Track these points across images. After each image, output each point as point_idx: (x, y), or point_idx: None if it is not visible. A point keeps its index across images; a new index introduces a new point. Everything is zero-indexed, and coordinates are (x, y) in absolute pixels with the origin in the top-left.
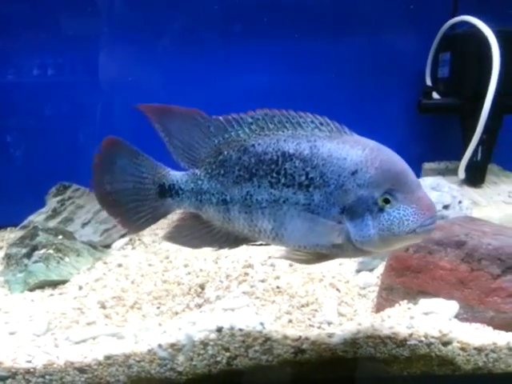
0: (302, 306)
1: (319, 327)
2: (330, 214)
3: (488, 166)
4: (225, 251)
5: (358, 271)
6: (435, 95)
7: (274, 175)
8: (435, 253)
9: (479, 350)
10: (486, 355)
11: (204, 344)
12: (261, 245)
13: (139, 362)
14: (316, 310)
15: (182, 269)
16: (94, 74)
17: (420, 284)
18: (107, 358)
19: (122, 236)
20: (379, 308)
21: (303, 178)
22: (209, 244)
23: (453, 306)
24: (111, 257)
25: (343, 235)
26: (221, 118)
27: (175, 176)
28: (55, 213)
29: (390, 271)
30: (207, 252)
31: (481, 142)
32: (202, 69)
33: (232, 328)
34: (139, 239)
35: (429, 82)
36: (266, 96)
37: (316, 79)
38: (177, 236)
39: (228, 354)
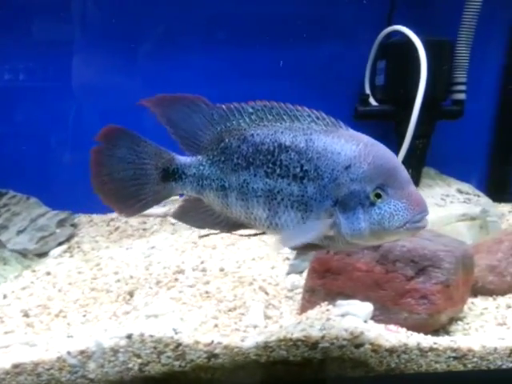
0: (230, 310)
1: (245, 331)
2: (323, 207)
3: (423, 169)
4: (157, 257)
5: (288, 273)
6: (374, 102)
7: (270, 165)
8: (353, 254)
9: (391, 351)
10: (398, 356)
11: (114, 351)
12: (256, 234)
13: (48, 369)
14: (243, 314)
15: (111, 276)
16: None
17: (339, 286)
18: (15, 366)
19: (60, 244)
20: (303, 310)
21: (298, 169)
22: (210, 226)
23: (367, 308)
24: (41, 265)
25: (335, 228)
26: (223, 106)
27: (179, 160)
28: None
29: (313, 273)
30: (140, 258)
31: (414, 147)
32: (175, 74)
33: (142, 334)
34: (78, 246)
35: (368, 90)
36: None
37: (261, 85)
38: (183, 215)
39: (140, 360)
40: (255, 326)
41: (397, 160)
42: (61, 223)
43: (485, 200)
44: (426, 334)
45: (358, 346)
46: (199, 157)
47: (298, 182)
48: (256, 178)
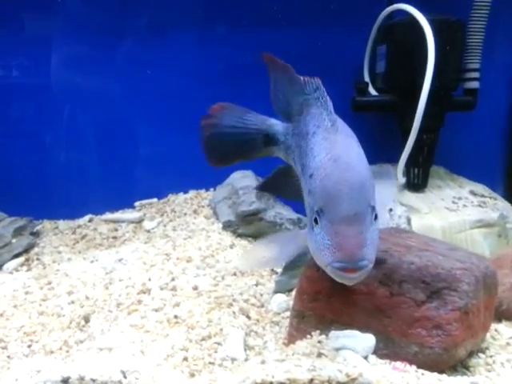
0: (203, 339)
1: (220, 365)
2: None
3: (431, 168)
4: (120, 273)
5: (275, 292)
6: (374, 92)
7: (298, 150)
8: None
9: None
10: None
11: None
12: None
13: None
14: (219, 344)
15: (64, 297)
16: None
17: (333, 311)
18: None
19: (16, 256)
20: (290, 340)
21: (302, 161)
22: (287, 195)
23: (369, 340)
24: None
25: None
26: (301, 78)
27: (277, 126)
28: None
29: (302, 294)
30: (100, 275)
31: (420, 143)
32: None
33: (82, 378)
34: (38, 258)
35: (367, 78)
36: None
37: (254, 72)
38: (271, 185)
39: None
40: (233, 359)
41: (351, 188)
42: (18, 232)
43: (503, 204)
44: (440, 372)
45: None
46: (289, 125)
47: (301, 173)
48: (297, 158)
